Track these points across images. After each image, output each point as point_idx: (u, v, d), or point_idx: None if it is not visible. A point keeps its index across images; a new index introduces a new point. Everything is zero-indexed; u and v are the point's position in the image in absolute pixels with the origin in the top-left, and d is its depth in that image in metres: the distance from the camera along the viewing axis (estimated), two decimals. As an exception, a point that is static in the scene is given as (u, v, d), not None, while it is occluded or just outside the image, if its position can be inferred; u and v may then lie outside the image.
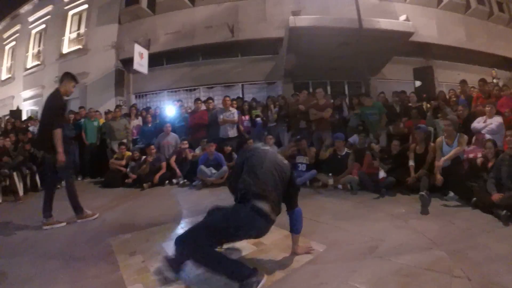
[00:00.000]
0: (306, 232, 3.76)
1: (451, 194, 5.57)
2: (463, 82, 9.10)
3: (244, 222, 2.89)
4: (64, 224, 5.00)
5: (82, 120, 10.37)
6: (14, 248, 4.10)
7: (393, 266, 3.04)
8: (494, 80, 9.63)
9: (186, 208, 5.68)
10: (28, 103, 18.18)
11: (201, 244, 2.76)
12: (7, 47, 21.05)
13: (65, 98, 5.13)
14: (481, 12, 16.21)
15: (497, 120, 6.62)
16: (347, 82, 14.68)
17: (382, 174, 6.35)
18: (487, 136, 6.30)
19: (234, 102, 10.09)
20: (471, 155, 5.98)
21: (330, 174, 7.04)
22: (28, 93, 18.17)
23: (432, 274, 2.85)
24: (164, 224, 4.67)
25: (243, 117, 9.54)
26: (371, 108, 8.52)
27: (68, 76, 5.16)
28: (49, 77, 16.69)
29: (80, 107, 11.36)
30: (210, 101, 10.10)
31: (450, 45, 15.10)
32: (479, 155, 5.81)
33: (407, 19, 11.23)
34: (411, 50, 13.99)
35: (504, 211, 4.29)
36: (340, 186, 6.80)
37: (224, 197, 6.31)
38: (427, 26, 14.51)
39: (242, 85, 14.38)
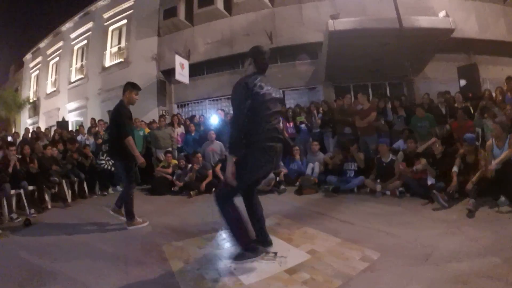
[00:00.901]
0: (359, 239, 3.76)
1: (503, 198, 5.21)
2: (510, 79, 8.62)
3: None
4: (147, 223, 5.28)
5: (128, 129, 10.66)
6: (70, 251, 4.21)
7: (450, 273, 2.95)
8: None
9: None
10: (73, 114, 18.96)
11: (229, 203, 3.31)
12: (51, 63, 22.10)
13: (130, 106, 5.38)
14: None
15: None
16: (388, 84, 14.46)
17: (431, 180, 6.20)
18: None
19: (278, 108, 10.03)
20: None
21: (378, 180, 6.90)
22: (73, 105, 18.98)
23: (488, 282, 2.75)
24: (216, 232, 4.64)
25: (287, 123, 9.51)
26: (422, 120, 8.14)
27: (128, 86, 5.37)
28: (93, 89, 17.60)
29: (126, 117, 11.66)
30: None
31: (491, 39, 14.43)
32: None
33: (446, 15, 11.00)
34: (452, 46, 13.46)
35: None
36: (388, 192, 6.66)
37: (272, 204, 6.36)
38: (467, 21, 14.03)
39: (283, 91, 14.20)
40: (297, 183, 7.62)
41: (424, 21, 10.68)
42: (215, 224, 4.99)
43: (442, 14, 11.13)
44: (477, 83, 10.82)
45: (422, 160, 6.59)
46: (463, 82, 10.96)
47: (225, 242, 4.18)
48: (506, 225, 4.27)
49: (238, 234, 3.34)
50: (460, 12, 13.90)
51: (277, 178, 7.75)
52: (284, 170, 8.05)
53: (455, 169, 5.99)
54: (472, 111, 8.51)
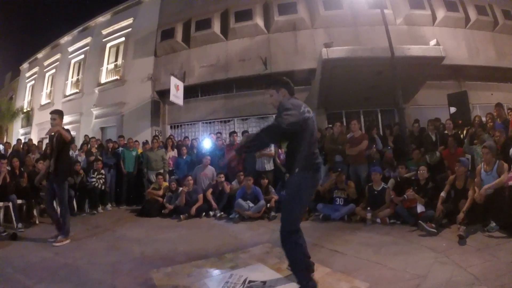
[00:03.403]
0: (349, 269, 3.82)
1: (493, 224, 5.33)
2: (499, 106, 8.88)
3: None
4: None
5: (121, 149, 10.76)
6: (56, 273, 4.22)
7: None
8: None
9: (226, 242, 5.69)
10: (66, 128, 18.68)
11: (296, 242, 3.24)
12: (47, 74, 22.11)
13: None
14: (509, 27, 15.79)
15: None
16: (380, 111, 14.64)
17: (420, 208, 6.29)
18: None
19: (271, 135, 10.07)
20: (510, 183, 5.68)
21: (369, 209, 7.00)
22: (66, 118, 18.67)
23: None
24: (205, 259, 4.62)
25: (279, 150, 9.48)
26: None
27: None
28: (87, 105, 17.61)
29: (119, 136, 11.73)
30: (247, 134, 10.19)
31: (481, 65, 14.79)
32: None
33: (437, 43, 11.21)
34: (443, 73, 13.83)
35: None
36: (378, 220, 6.73)
37: (262, 231, 6.44)
38: (457, 48, 14.40)
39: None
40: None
41: (415, 50, 10.89)
42: (204, 251, 5.05)
43: (432, 42, 11.34)
44: (467, 110, 10.97)
45: (409, 190, 6.67)
46: (453, 109, 11.13)
47: (214, 269, 4.21)
48: (496, 252, 4.34)
49: (301, 272, 3.29)
50: (451, 40, 14.35)
51: (268, 205, 7.81)
52: (275, 197, 8.08)
53: (443, 194, 6.20)
54: (462, 138, 8.63)
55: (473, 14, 15.19)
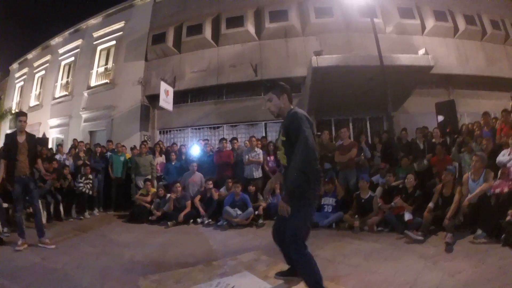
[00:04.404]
0: (338, 276, 3.83)
1: (479, 231, 5.39)
2: (486, 114, 8.92)
3: None
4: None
5: (109, 153, 10.71)
6: (43, 278, 4.18)
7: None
8: None
9: (214, 249, 5.68)
10: (54, 130, 18.71)
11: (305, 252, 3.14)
12: (37, 75, 21.85)
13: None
14: (497, 36, 16.03)
15: None
16: (369, 118, 14.75)
17: (408, 215, 6.34)
18: None
19: (259, 142, 10.14)
20: (497, 190, 5.87)
21: (356, 216, 7.06)
22: (55, 121, 18.76)
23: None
24: (193, 266, 4.60)
25: (268, 157, 9.54)
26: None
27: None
28: (76, 107, 17.47)
29: (108, 141, 11.71)
30: (235, 141, 10.23)
31: (470, 74, 14.93)
32: (506, 189, 5.75)
33: (426, 53, 11.31)
34: (432, 81, 13.96)
35: None
36: (366, 228, 6.76)
37: (251, 238, 6.43)
38: (446, 57, 14.53)
39: (265, 123, 14.53)
40: (276, 218, 7.67)
41: (404, 59, 11.00)
42: (192, 258, 5.04)
43: (421, 51, 11.45)
44: (454, 119, 11.07)
45: (397, 197, 6.80)
46: (440, 118, 11.23)
47: (201, 277, 4.18)
48: (484, 259, 4.40)
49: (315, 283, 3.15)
50: (440, 48, 14.47)
51: (256, 212, 7.81)
52: (263, 204, 8.08)
53: (430, 204, 6.24)
54: (449, 146, 8.73)
55: (461, 24, 15.39)
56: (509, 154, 6.56)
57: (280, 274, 3.77)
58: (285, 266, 3.76)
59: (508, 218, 5.07)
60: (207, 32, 15.18)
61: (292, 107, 3.39)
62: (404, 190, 7.05)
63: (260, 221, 7.63)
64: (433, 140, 9.19)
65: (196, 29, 15.31)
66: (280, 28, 14.76)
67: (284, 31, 14.81)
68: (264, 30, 14.84)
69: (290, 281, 3.68)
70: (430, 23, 15.09)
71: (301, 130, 3.02)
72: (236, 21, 15.02)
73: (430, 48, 12.16)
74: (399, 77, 10.88)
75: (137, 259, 5.11)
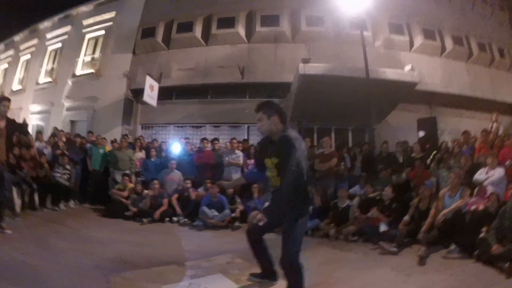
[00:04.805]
0: (311, 285, 3.76)
1: (453, 246, 5.50)
2: (466, 133, 9.22)
3: None
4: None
5: (88, 145, 10.52)
6: (11, 270, 4.02)
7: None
8: (495, 124, 9.81)
9: (188, 250, 5.64)
10: (35, 117, 18.27)
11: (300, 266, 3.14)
12: (22, 58, 21.23)
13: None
14: (484, 59, 16.39)
15: (499, 172, 6.73)
16: (351, 129, 14.87)
17: (383, 227, 6.40)
18: (489, 188, 6.43)
19: (240, 144, 10.13)
20: (473, 207, 6.04)
21: (332, 225, 7.10)
22: (37, 107, 18.37)
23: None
24: (166, 266, 4.57)
25: (248, 160, 9.51)
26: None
27: None
28: (59, 95, 17.07)
29: (89, 132, 11.56)
30: (216, 141, 10.17)
31: (453, 93, 15.17)
32: (481, 207, 5.87)
33: (412, 69, 11.46)
34: (416, 98, 14.01)
35: (507, 264, 4.34)
36: (342, 237, 6.79)
37: (226, 241, 6.41)
38: (432, 75, 14.70)
39: (248, 126, 14.46)
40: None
41: (390, 73, 11.12)
42: (166, 257, 5.00)
43: (407, 68, 11.60)
44: (435, 135, 11.34)
45: (373, 208, 6.88)
46: (421, 134, 11.46)
47: (174, 277, 4.13)
48: (457, 273, 4.49)
49: None
50: (426, 66, 14.60)
51: (233, 214, 7.81)
52: (240, 207, 8.12)
53: (406, 217, 6.33)
54: (428, 162, 8.85)
55: (449, 44, 15.66)
56: (486, 173, 6.83)
57: (254, 276, 3.80)
58: (258, 269, 3.76)
59: (482, 235, 5.22)
60: (198, 30, 15.12)
61: (284, 128, 3.33)
62: (381, 201, 7.13)
63: (237, 223, 7.62)
64: (413, 154, 9.33)
65: (187, 27, 15.22)
66: (271, 32, 14.80)
67: (274, 36, 14.85)
68: (255, 34, 14.86)
69: (262, 283, 3.72)
70: (418, 40, 15.32)
71: (291, 156, 3.01)
72: (227, 22, 15.01)
73: (417, 65, 12.31)
74: (384, 91, 10.95)
75: (110, 255, 4.99)
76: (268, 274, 3.71)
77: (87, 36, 17.87)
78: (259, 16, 14.91)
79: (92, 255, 4.98)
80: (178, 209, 8.30)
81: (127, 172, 9.61)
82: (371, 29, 14.59)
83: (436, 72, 15.23)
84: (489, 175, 6.78)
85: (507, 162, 7.24)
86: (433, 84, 14.68)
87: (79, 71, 17.25)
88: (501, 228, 5.00)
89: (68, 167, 9.29)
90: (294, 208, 3.13)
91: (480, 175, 6.94)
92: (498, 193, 6.08)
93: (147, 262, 4.70)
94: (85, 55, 17.59)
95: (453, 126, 13.69)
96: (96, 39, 17.64)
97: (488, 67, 16.63)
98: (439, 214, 5.93)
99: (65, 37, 18.86)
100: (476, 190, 6.56)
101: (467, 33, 16.25)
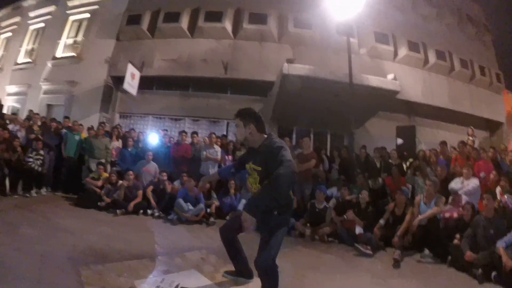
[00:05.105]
0: (284, 285, 3.80)
1: (427, 251, 5.80)
2: (443, 144, 9.42)
3: None
4: None
5: (64, 131, 10.22)
6: None
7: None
8: (470, 138, 10.11)
9: (161, 244, 5.55)
10: (11, 98, 17.65)
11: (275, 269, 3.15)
12: (2, 36, 20.52)
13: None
14: (464, 75, 17.01)
15: (474, 182, 7.00)
16: (330, 133, 15.01)
17: (359, 230, 6.52)
18: (464, 197, 6.70)
19: (219, 140, 10.09)
20: (447, 215, 6.28)
21: (308, 225, 7.18)
22: (13, 88, 17.74)
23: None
24: (139, 260, 4.46)
25: (226, 156, 9.52)
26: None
27: None
28: (38, 77, 16.53)
29: (65, 117, 11.25)
30: (195, 135, 10.09)
31: (433, 105, 15.72)
32: (455, 215, 6.14)
33: (394, 78, 11.67)
34: (396, 106, 14.37)
35: (480, 270, 4.63)
36: (317, 237, 6.88)
37: (200, 236, 6.35)
38: (413, 86, 15.06)
39: (228, 122, 14.45)
40: (228, 217, 7.68)
41: (373, 80, 11.29)
42: (138, 250, 4.90)
43: (390, 76, 11.81)
44: (413, 144, 11.61)
45: (349, 211, 6.95)
46: (400, 141, 11.70)
47: (147, 272, 4.07)
48: (430, 278, 4.65)
49: None
50: (408, 77, 14.96)
51: (208, 210, 7.75)
52: (216, 203, 8.08)
53: (381, 221, 6.57)
54: (404, 169, 9.04)
55: (432, 57, 16.14)
56: (461, 183, 7.09)
57: (228, 273, 3.80)
58: (233, 267, 3.75)
59: (455, 241, 5.46)
60: (184, 22, 14.93)
61: (265, 136, 3.28)
62: (357, 205, 7.25)
63: (212, 219, 7.57)
64: (390, 160, 9.49)
65: (174, 17, 15.00)
66: (258, 31, 14.76)
67: (261, 35, 14.82)
68: (241, 30, 14.78)
69: (237, 281, 3.72)
70: (402, 51, 15.66)
71: (283, 161, 2.93)
72: (215, 16, 14.84)
73: (399, 75, 12.51)
74: (366, 97, 11.09)
75: (81, 246, 4.86)
76: (243, 272, 3.71)
77: (71, 18, 17.36)
78: (247, 13, 14.84)
79: (63, 245, 4.84)
80: (153, 202, 8.18)
81: (102, 161, 9.43)
82: (357, 36, 14.73)
83: (417, 83, 15.62)
84: (464, 185, 7.05)
85: (481, 174, 7.52)
86: (413, 94, 15.11)
87: (60, 53, 16.79)
88: (474, 237, 5.27)
89: (41, 152, 8.96)
90: (280, 212, 3.14)
91: (455, 184, 7.21)
92: (473, 203, 6.32)
93: (119, 256, 4.60)
94: (67, 37, 17.11)
95: (430, 137, 14.08)
96: (80, 21, 17.17)
97: (468, 83, 17.26)
98: (415, 220, 6.12)
99: (49, 17, 18.30)
100: (450, 198, 6.77)
101: (450, 49, 16.78)
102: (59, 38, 17.06)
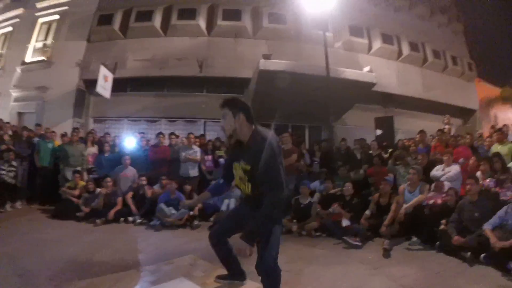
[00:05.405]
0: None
1: (414, 238, 5.94)
2: (422, 132, 9.50)
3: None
4: None
5: (36, 139, 9.86)
6: None
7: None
8: (446, 126, 10.29)
9: (146, 252, 5.40)
10: None
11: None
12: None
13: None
14: (437, 65, 17.68)
15: (455, 168, 7.10)
16: (308, 127, 15.14)
17: (345, 222, 6.49)
18: (446, 183, 6.80)
19: (198, 139, 9.95)
20: (431, 201, 6.39)
21: (294, 221, 7.09)
22: (-19, 97, 17.08)
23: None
24: (124, 271, 4.23)
25: (206, 156, 9.40)
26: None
27: None
28: (6, 84, 15.82)
29: (37, 125, 10.89)
30: (173, 136, 9.89)
31: (408, 95, 16.16)
32: (439, 201, 6.26)
33: (370, 70, 11.80)
34: (372, 98, 14.60)
35: (469, 253, 4.76)
36: (304, 233, 6.83)
37: (186, 241, 6.20)
38: (388, 77, 15.38)
39: (205, 121, 14.38)
40: (212, 219, 7.60)
41: (349, 73, 11.36)
42: (123, 261, 4.73)
43: (366, 69, 11.95)
44: (391, 134, 11.89)
45: (335, 204, 6.96)
46: (379, 132, 11.94)
47: (134, 284, 3.86)
48: (422, 264, 4.73)
49: None
50: (383, 69, 15.26)
51: (191, 213, 7.58)
52: (199, 205, 7.92)
53: (367, 212, 6.64)
54: (385, 159, 9.12)
55: (406, 49, 16.68)
56: (442, 170, 7.20)
57: (221, 278, 3.65)
58: (224, 270, 3.62)
59: (442, 227, 5.53)
60: (157, 20, 14.72)
61: (253, 127, 3.04)
62: (342, 197, 7.27)
63: (196, 222, 7.44)
64: (370, 151, 9.61)
65: (146, 16, 14.78)
66: (232, 27, 14.71)
67: (235, 31, 14.78)
68: (215, 27, 14.71)
69: (231, 285, 3.58)
70: (377, 44, 16.08)
71: (273, 185, 2.83)
72: (188, 14, 14.72)
73: (374, 67, 12.68)
74: (343, 90, 11.09)
75: (62, 261, 4.66)
76: (235, 274, 3.58)
77: (40, 20, 16.75)
78: (221, 10, 14.79)
79: (43, 262, 4.62)
80: (133, 208, 7.92)
81: (78, 168, 9.06)
82: (332, 30, 14.82)
83: (392, 74, 16.02)
84: (445, 172, 7.15)
85: (461, 160, 7.62)
86: (389, 86, 15.45)
87: (29, 58, 16.17)
88: (460, 221, 5.40)
89: (14, 163, 8.62)
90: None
91: (436, 171, 7.30)
92: (456, 188, 6.49)
93: (104, 268, 4.42)
94: (36, 40, 16.51)
95: (407, 127, 14.33)
96: (50, 23, 16.58)
97: (441, 73, 17.87)
98: (402, 209, 6.22)
99: (16, 20, 17.55)
100: (433, 185, 6.89)
101: (423, 41, 17.33)
102: (28, 42, 16.42)
